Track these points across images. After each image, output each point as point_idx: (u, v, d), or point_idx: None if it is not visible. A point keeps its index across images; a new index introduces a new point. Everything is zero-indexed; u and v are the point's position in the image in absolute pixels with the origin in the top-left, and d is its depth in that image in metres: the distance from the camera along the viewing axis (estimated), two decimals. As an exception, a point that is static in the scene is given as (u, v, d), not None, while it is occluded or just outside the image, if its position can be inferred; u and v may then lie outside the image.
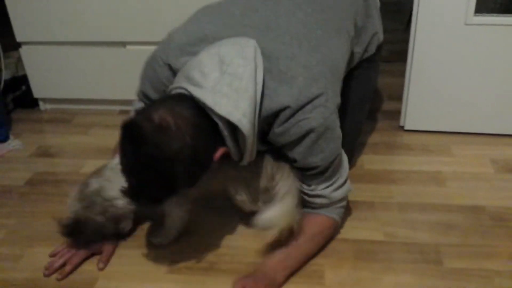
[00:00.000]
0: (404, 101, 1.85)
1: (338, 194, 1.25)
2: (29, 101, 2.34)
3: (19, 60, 2.29)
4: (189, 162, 1.03)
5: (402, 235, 1.35)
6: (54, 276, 1.27)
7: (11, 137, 2.06)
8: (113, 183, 1.22)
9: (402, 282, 1.20)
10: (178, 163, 1.01)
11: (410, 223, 1.40)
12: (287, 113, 1.11)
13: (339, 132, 1.20)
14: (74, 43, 2.05)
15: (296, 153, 1.17)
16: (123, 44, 2.03)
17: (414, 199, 1.50)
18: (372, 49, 1.48)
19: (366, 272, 1.24)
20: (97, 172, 1.32)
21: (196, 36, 1.20)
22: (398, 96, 1.96)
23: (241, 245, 1.34)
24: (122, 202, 1.25)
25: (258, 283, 1.16)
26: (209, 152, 1.09)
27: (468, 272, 1.22)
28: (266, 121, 1.15)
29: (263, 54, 1.13)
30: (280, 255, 1.22)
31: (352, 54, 1.39)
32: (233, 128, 1.08)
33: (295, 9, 1.23)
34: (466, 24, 1.66)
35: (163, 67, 1.24)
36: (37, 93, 2.25)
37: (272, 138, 1.18)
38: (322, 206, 1.26)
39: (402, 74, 1.86)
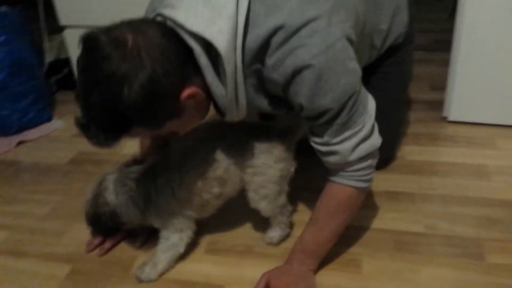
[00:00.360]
0: (448, 91, 1.81)
1: (359, 151, 1.02)
2: (71, 84, 2.39)
3: (62, 43, 2.35)
4: (143, 88, 0.87)
5: (443, 228, 1.32)
6: (96, 251, 1.31)
7: (55, 117, 2.12)
8: (115, 188, 1.19)
9: (442, 275, 1.18)
10: (128, 84, 0.86)
11: (451, 216, 1.37)
12: (279, 37, 0.92)
13: (353, 65, 0.97)
14: (117, 26, 2.07)
15: (300, 96, 0.96)
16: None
17: (457, 192, 1.46)
18: (398, 32, 1.33)
19: (405, 263, 1.22)
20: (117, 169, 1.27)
21: None
22: (441, 86, 1.92)
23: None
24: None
25: (285, 276, 1.14)
26: (174, 85, 0.92)
27: (510, 268, 1.19)
28: (258, 58, 0.96)
29: None
30: (302, 244, 1.16)
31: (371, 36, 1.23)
32: (214, 59, 0.93)
33: None
34: (516, 13, 1.60)
35: None
36: (80, 75, 2.30)
37: (268, 79, 0.98)
38: (337, 169, 1.07)
39: (445, 63, 1.81)
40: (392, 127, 1.48)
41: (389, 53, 1.37)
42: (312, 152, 1.09)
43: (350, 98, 0.97)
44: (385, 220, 1.37)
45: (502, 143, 1.70)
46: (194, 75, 0.94)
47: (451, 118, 1.83)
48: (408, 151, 1.68)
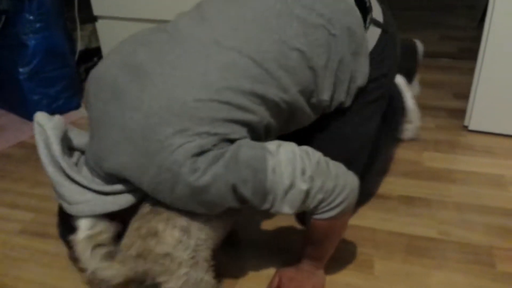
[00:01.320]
0: (470, 101, 1.81)
1: (290, 203, 0.97)
2: (100, 73, 2.45)
3: (93, 32, 2.41)
4: None
5: (457, 235, 1.34)
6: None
7: (83, 105, 2.18)
8: None
9: (453, 281, 1.20)
10: None
11: (466, 224, 1.38)
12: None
13: (204, 181, 0.92)
14: (149, 20, 2.13)
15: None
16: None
17: (473, 200, 1.48)
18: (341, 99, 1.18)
19: (417, 266, 1.24)
20: None
21: None
22: (464, 94, 1.93)
23: (295, 225, 1.38)
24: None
25: (295, 274, 1.18)
26: None
27: (521, 278, 1.21)
28: None
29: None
30: (305, 253, 1.17)
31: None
32: None
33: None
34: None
35: None
36: (109, 65, 2.36)
37: None
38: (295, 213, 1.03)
39: (469, 72, 1.82)
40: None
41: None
42: None
43: (234, 191, 0.94)
44: (399, 223, 1.39)
45: (521, 155, 1.71)
46: None
47: (472, 127, 1.84)
48: (427, 157, 1.70)
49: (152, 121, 0.91)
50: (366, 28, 1.18)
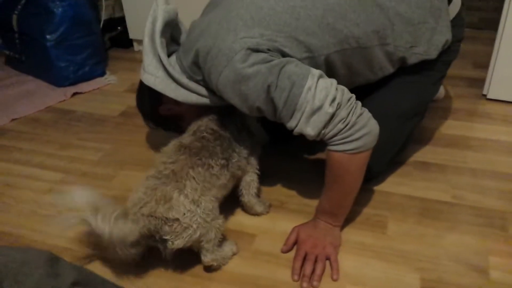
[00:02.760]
0: (490, 70, 1.82)
1: (315, 124, 1.07)
2: (124, 41, 2.50)
3: (116, 2, 2.45)
4: None
5: (471, 199, 1.37)
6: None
7: (108, 72, 2.24)
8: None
9: (465, 242, 1.23)
10: None
11: (480, 189, 1.41)
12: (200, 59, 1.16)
13: (255, 69, 1.06)
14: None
15: (234, 102, 1.14)
16: None
17: (488, 167, 1.50)
18: (431, 52, 1.30)
19: (430, 228, 1.28)
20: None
21: None
22: (484, 64, 1.93)
23: (310, 189, 1.41)
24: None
25: (312, 231, 1.23)
26: None
27: (533, 241, 1.23)
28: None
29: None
30: (320, 205, 1.23)
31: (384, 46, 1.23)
32: None
33: None
34: None
35: None
36: (132, 34, 2.41)
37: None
38: (317, 141, 1.13)
39: (490, 42, 1.82)
40: (384, 139, 1.21)
41: (420, 69, 1.34)
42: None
43: (268, 92, 1.07)
44: (414, 187, 1.42)
45: (539, 124, 1.71)
46: None
47: (490, 96, 1.84)
48: (445, 125, 1.72)
49: (231, 15, 1.12)
50: None
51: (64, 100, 2.03)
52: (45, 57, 2.07)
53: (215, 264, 1.15)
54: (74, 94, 2.07)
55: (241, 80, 1.07)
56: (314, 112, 1.05)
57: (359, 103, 1.10)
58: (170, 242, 1.07)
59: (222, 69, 1.09)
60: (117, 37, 2.52)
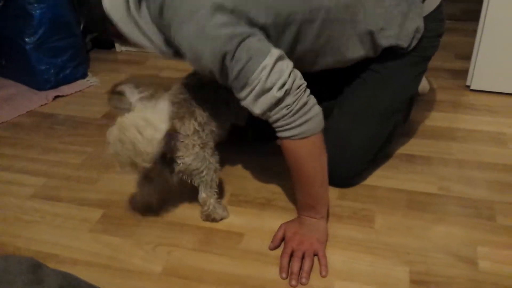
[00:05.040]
0: (472, 61, 1.82)
1: (260, 105, 1.07)
2: (105, 43, 2.47)
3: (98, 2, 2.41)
4: None
5: (457, 190, 1.37)
6: (127, 198, 1.41)
7: (89, 74, 2.21)
8: None
9: (453, 233, 1.23)
10: None
11: (466, 180, 1.41)
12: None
13: (218, 32, 1.03)
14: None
15: (187, 57, 1.11)
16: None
17: (474, 157, 1.50)
18: (402, 38, 1.29)
19: (417, 220, 1.28)
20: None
21: None
22: (466, 55, 1.94)
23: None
24: None
25: (298, 227, 1.22)
26: None
27: (520, 230, 1.23)
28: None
29: None
30: (298, 201, 1.23)
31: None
32: None
33: None
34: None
35: None
36: (113, 34, 2.37)
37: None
38: (269, 123, 1.12)
39: (472, 33, 1.82)
40: (363, 138, 1.31)
41: (389, 56, 1.33)
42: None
43: (223, 59, 1.04)
44: (400, 180, 1.42)
45: (523, 113, 1.72)
46: None
47: (474, 86, 1.85)
48: (429, 117, 1.72)
49: None
50: None
51: (46, 103, 2.01)
52: (25, 60, 2.04)
53: (210, 208, 1.28)
54: (56, 97, 2.05)
55: (199, 39, 1.04)
56: (264, 92, 1.05)
57: (308, 91, 1.09)
58: (179, 162, 1.22)
59: (184, 22, 1.05)
60: (98, 38, 2.50)
